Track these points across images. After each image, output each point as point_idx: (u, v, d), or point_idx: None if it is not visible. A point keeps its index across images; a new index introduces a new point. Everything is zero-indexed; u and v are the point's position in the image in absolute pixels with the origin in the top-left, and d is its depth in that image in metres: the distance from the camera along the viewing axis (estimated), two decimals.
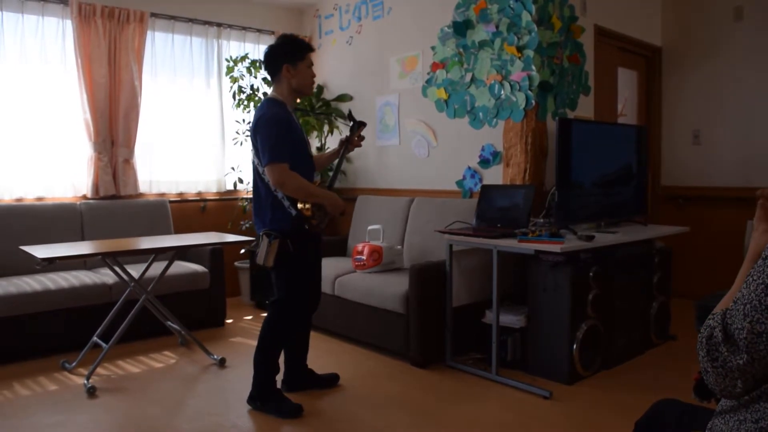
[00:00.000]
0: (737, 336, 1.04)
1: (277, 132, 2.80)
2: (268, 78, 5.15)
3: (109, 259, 3.41)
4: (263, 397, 2.96)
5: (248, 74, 5.19)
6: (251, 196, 5.37)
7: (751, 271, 1.07)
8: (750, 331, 1.02)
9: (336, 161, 3.20)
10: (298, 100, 3.45)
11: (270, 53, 3.00)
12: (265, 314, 3.13)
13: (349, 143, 3.20)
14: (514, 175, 3.98)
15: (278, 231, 2.85)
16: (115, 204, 4.68)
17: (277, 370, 3.03)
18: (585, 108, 4.30)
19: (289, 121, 2.89)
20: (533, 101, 3.85)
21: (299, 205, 2.84)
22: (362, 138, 3.27)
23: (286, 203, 2.85)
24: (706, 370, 1.10)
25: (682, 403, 1.47)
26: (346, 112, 5.38)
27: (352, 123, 3.22)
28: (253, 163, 2.96)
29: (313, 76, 3.06)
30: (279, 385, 3.05)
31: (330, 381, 3.30)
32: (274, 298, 3.00)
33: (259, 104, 3.06)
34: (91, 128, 4.64)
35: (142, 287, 3.57)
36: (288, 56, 2.94)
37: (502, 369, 3.39)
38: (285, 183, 2.78)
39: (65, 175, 4.67)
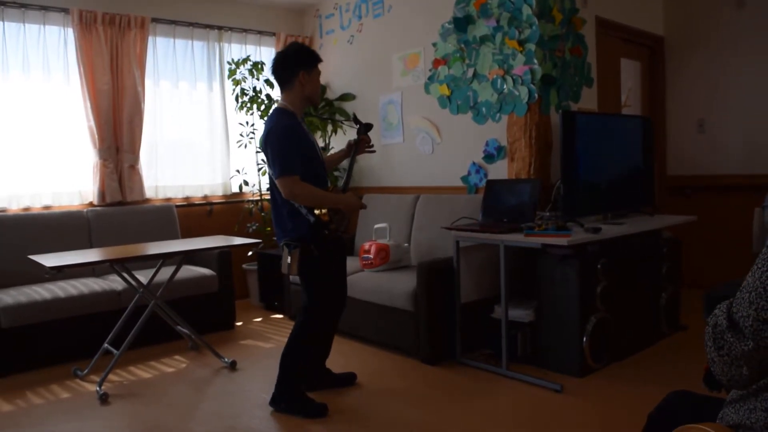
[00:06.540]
0: (743, 324, 1.04)
1: (288, 144, 2.80)
2: (272, 81, 5.19)
3: (117, 265, 3.43)
4: (288, 399, 2.96)
5: (251, 76, 5.19)
6: (257, 198, 5.40)
7: (757, 259, 1.07)
8: (755, 318, 1.02)
9: (348, 162, 3.20)
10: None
11: (284, 59, 2.95)
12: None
13: (358, 146, 3.20)
14: (519, 169, 3.97)
15: (298, 239, 2.86)
16: (121, 210, 4.70)
17: (303, 374, 3.05)
18: (588, 100, 4.28)
19: (299, 130, 2.89)
20: (536, 95, 3.84)
21: (316, 211, 2.86)
22: (370, 141, 3.25)
23: (303, 210, 2.87)
24: (713, 360, 1.11)
25: (694, 395, 1.47)
26: (350, 112, 5.42)
27: (358, 126, 3.22)
28: (269, 173, 2.97)
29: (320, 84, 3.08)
30: None
31: (348, 380, 3.31)
32: (304, 304, 3.01)
33: (268, 115, 3.04)
34: (96, 135, 4.66)
35: (151, 293, 3.58)
36: (305, 62, 2.92)
37: (513, 364, 3.39)
38: (296, 195, 2.79)
39: (72, 182, 4.69)
